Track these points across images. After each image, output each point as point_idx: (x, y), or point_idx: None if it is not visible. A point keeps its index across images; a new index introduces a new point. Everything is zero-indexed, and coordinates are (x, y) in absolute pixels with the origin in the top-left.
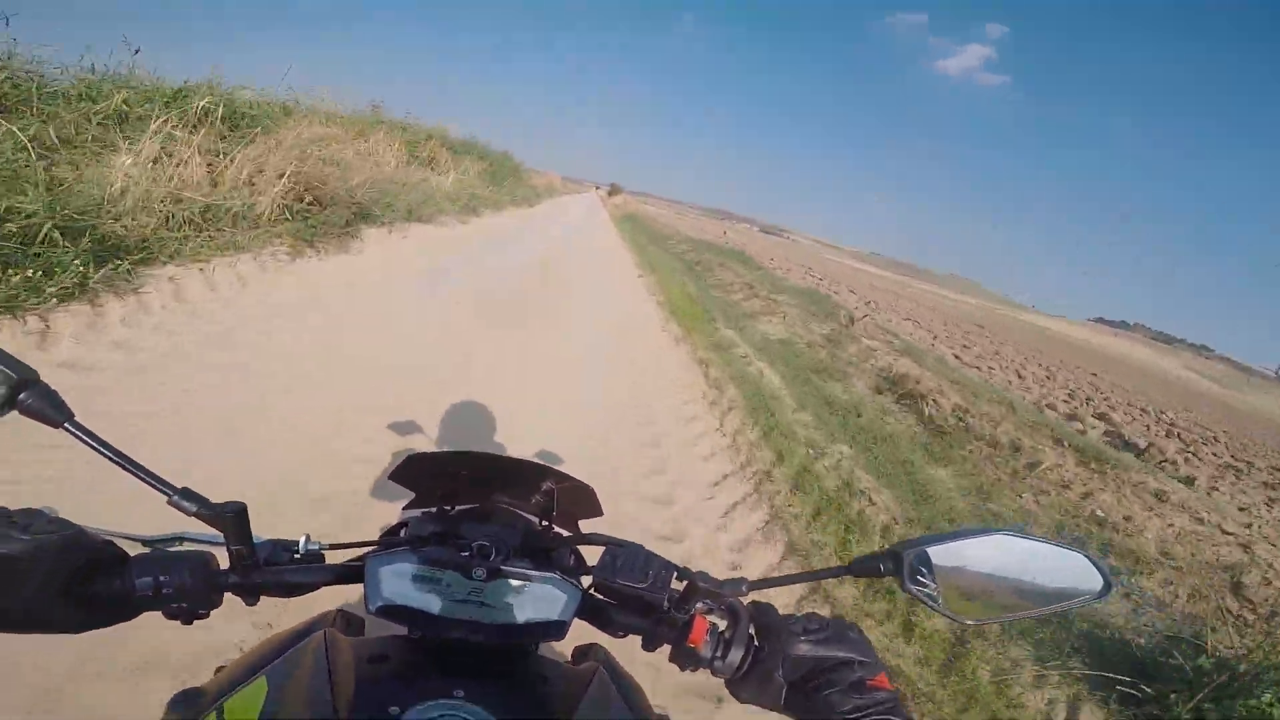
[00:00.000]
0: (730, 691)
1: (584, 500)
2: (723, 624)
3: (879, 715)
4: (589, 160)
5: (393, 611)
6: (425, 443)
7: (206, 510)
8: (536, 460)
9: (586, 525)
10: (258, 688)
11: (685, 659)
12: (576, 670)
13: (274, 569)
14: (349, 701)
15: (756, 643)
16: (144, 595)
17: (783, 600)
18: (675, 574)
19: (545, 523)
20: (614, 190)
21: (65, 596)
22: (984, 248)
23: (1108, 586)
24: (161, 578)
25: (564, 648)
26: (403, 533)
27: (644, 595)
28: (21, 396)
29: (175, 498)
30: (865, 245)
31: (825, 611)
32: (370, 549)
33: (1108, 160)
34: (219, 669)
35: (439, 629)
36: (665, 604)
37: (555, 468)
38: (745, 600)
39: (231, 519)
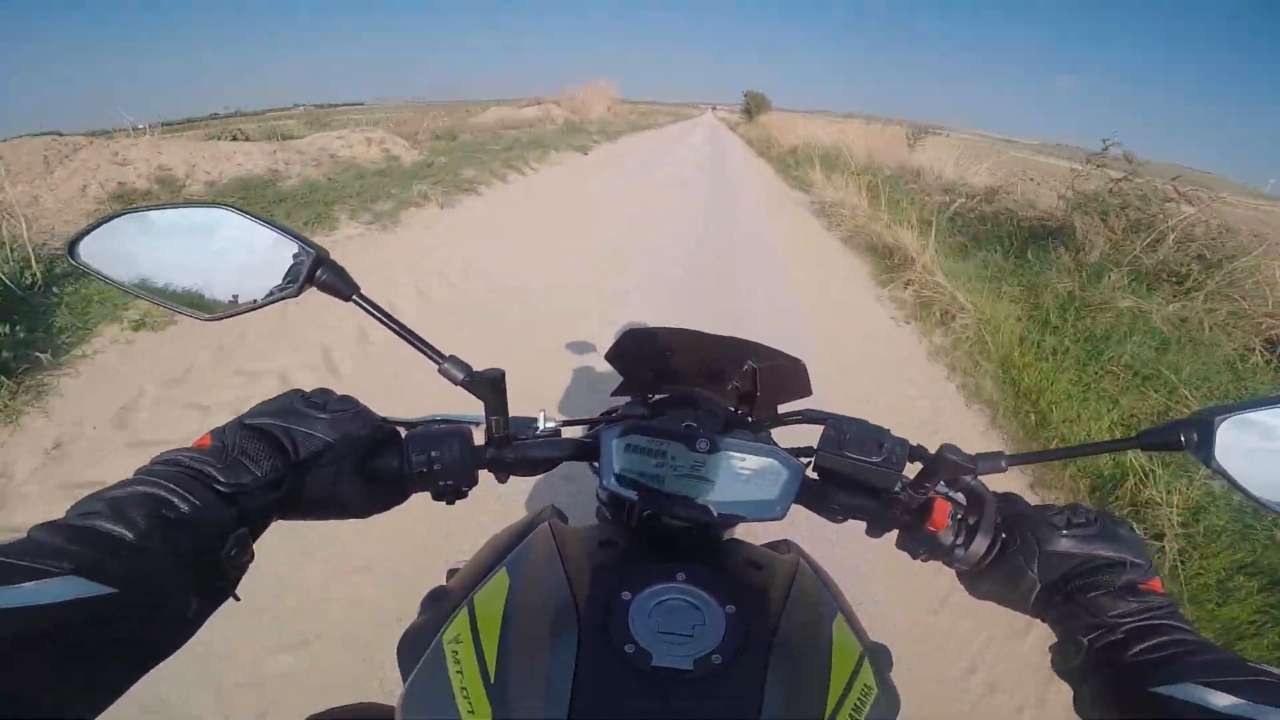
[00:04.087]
0: (965, 585)
1: (790, 380)
2: (963, 509)
3: (1154, 620)
4: (707, 79)
5: (623, 482)
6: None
7: (470, 377)
8: (744, 338)
9: (793, 407)
10: (500, 580)
11: (919, 545)
12: (781, 559)
13: (521, 444)
14: (584, 587)
15: (1004, 534)
16: (418, 473)
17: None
18: (910, 451)
19: (743, 409)
20: (756, 103)
21: (357, 475)
22: (1222, 131)
23: None
24: (433, 453)
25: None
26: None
27: (877, 471)
28: (318, 273)
29: (445, 365)
30: (1052, 136)
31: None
32: (600, 424)
33: None
34: (450, 571)
35: (662, 503)
36: (899, 484)
37: (764, 344)
38: (998, 478)
39: (491, 385)
